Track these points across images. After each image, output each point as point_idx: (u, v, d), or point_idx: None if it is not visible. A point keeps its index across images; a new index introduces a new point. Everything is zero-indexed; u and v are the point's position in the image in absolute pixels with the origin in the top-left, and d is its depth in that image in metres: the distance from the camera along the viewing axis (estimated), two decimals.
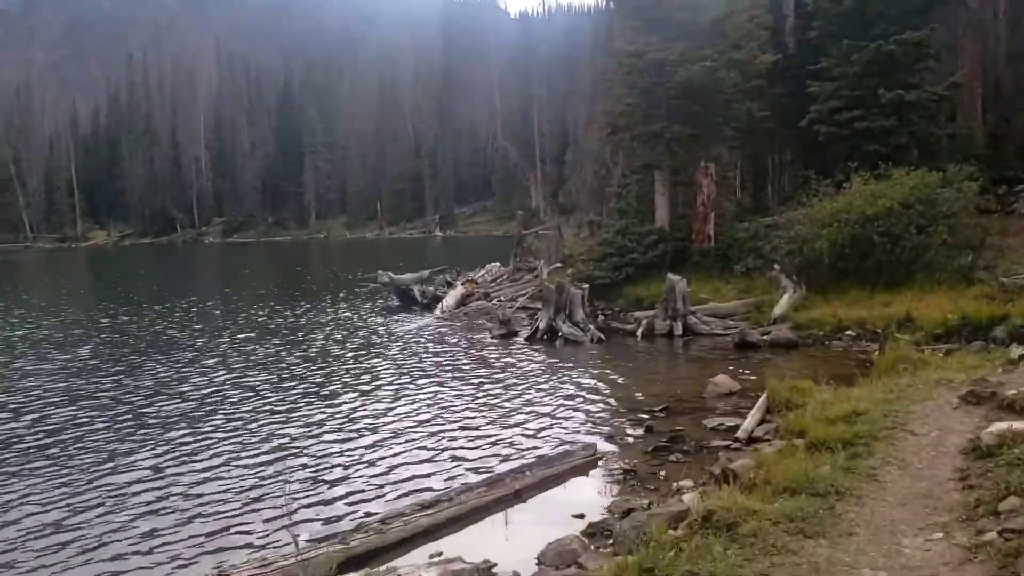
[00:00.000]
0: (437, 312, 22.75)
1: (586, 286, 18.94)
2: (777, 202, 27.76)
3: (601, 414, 11.31)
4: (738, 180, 33.38)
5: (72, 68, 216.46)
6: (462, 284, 25.16)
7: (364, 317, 23.28)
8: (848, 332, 15.83)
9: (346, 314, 23.96)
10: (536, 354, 16.29)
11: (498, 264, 30.31)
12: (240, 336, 20.18)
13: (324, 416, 11.77)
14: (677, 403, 11.68)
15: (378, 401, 12.63)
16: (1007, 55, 36.18)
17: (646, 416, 11.02)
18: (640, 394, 12.44)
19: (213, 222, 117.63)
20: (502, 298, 24.49)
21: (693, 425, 10.43)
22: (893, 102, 23.74)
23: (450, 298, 23.89)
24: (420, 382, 14.01)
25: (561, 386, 13.12)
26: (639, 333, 17.70)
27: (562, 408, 11.64)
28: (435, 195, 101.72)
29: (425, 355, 16.76)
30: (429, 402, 12.47)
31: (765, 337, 15.97)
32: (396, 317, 23.11)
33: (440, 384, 13.81)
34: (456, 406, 12.12)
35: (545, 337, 17.67)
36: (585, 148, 40.16)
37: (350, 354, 17.12)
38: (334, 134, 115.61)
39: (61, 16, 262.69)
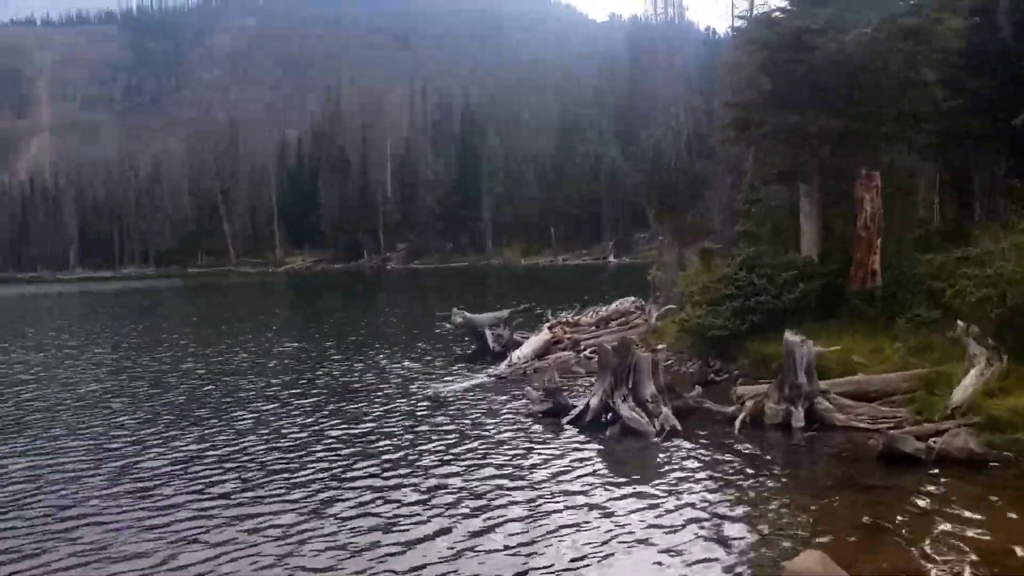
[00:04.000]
0: (502, 366, 17.73)
1: (662, 347, 13.29)
2: (986, 227, 20.55)
3: None
4: (937, 198, 26.03)
5: (290, 104, 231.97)
6: (549, 328, 20.01)
7: (413, 368, 18.72)
8: None
9: (400, 363, 19.51)
10: (566, 453, 10.90)
11: (632, 299, 24.88)
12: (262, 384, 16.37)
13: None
14: None
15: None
16: None
17: None
18: None
19: (397, 248, 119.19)
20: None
21: None
22: None
23: (527, 347, 18.81)
24: (342, 496, 9.15)
25: (540, 549, 7.74)
26: (739, 421, 11.82)
27: None
28: (612, 220, 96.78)
29: (412, 441, 11.85)
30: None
31: (931, 444, 9.72)
32: (452, 369, 18.38)
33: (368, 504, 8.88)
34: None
35: (605, 419, 12.24)
36: (721, 154, 33.50)
37: (329, 432, 12.54)
38: (513, 160, 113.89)
39: (281, 56, 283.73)
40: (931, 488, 8.79)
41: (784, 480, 9.57)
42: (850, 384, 12.36)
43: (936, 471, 9.28)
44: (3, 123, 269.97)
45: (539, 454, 10.86)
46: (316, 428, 12.91)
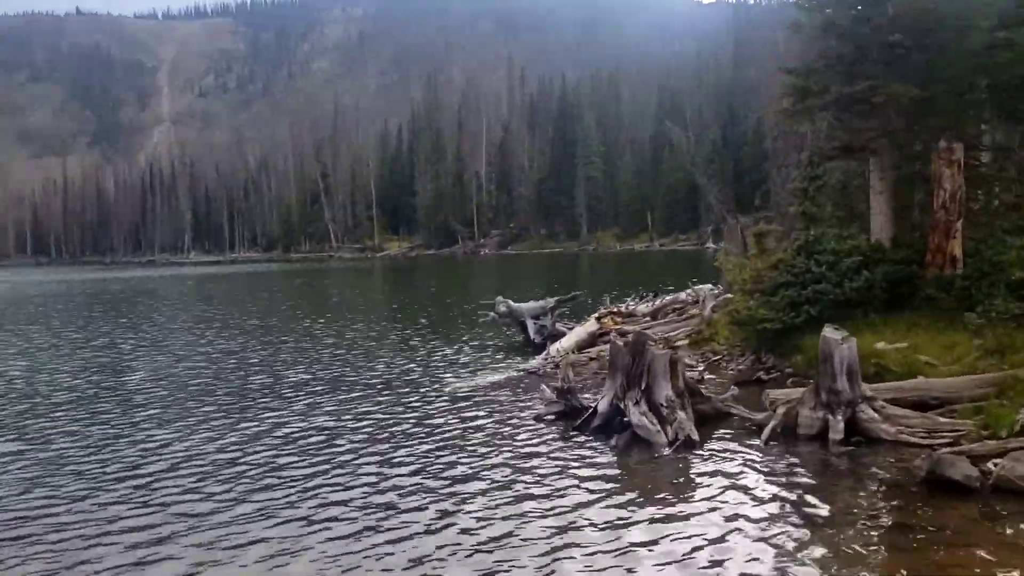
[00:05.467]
0: (539, 358, 16.44)
1: (683, 343, 11.72)
2: None
3: None
4: None
5: (398, 92, 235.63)
6: (598, 318, 18.59)
7: (449, 359, 17.69)
8: None
9: (440, 353, 18.54)
10: (563, 467, 9.46)
11: (708, 286, 23.15)
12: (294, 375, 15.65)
13: None
14: None
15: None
16: None
17: None
18: None
19: (491, 234, 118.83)
20: None
21: None
22: None
23: (569, 338, 17.48)
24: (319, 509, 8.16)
25: None
26: (768, 431, 10.18)
27: None
28: (710, 205, 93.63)
29: (403, 444, 10.73)
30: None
31: (988, 468, 7.96)
32: (487, 362, 17.22)
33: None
34: None
35: (618, 423, 10.82)
36: (786, 130, 30.91)
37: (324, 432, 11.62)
38: (611, 145, 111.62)
39: (391, 46, 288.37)
40: (981, 530, 7.06)
41: (806, 510, 7.90)
42: (913, 389, 10.53)
43: (992, 505, 7.53)
44: (128, 114, 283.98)
45: (532, 467, 9.50)
46: (315, 423, 12.02)
